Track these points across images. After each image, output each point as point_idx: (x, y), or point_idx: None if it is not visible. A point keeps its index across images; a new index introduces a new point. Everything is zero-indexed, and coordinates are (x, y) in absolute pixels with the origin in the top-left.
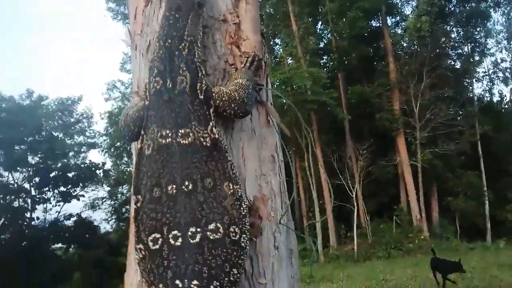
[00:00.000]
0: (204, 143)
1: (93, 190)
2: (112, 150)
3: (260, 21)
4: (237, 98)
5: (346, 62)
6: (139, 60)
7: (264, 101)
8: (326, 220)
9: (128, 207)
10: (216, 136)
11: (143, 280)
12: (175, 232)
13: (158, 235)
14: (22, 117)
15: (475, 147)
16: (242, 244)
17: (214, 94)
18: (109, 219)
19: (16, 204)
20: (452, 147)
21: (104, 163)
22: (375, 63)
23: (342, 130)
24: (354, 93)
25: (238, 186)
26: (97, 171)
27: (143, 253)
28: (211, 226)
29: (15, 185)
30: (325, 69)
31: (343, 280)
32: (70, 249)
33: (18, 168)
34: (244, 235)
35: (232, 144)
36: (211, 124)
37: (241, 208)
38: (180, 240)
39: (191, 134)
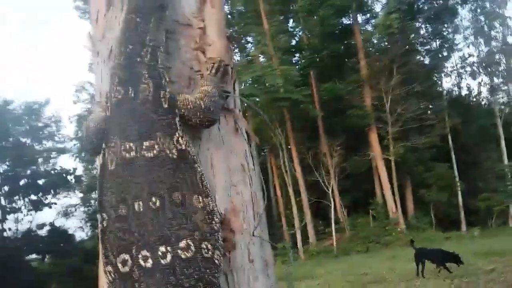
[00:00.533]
0: (171, 155)
1: (65, 197)
2: (83, 154)
3: (225, 24)
4: (203, 106)
5: (317, 60)
6: (101, 67)
7: (232, 108)
8: (304, 217)
9: None
10: (183, 147)
11: None
12: (145, 252)
13: (127, 256)
14: None
15: (445, 139)
16: (216, 261)
17: (179, 102)
18: (83, 226)
19: None
20: (423, 141)
21: (75, 169)
22: (346, 60)
23: (315, 127)
24: (326, 90)
25: (209, 198)
26: (69, 177)
27: (113, 275)
28: (182, 244)
29: None
30: (297, 67)
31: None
32: (45, 259)
33: None
34: (217, 251)
35: (200, 155)
36: (177, 134)
37: (213, 223)
38: (150, 261)
39: (156, 146)
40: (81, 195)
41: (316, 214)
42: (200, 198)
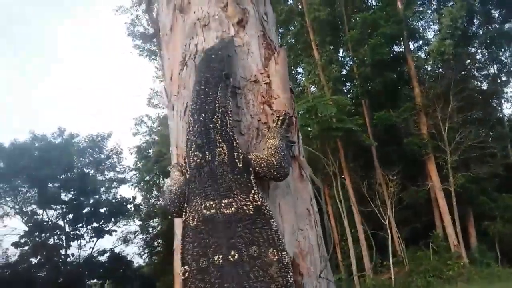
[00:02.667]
0: (248, 211)
1: (125, 224)
2: (141, 184)
3: (288, 78)
4: (275, 163)
5: (370, 88)
6: (177, 120)
7: (297, 155)
8: (360, 249)
9: (159, 240)
10: (259, 202)
11: None
12: None
13: None
14: (55, 155)
15: (509, 168)
16: None
17: (252, 161)
18: (141, 253)
19: (51, 241)
20: (485, 170)
21: (134, 198)
22: (399, 88)
23: (369, 157)
24: (379, 118)
25: (285, 253)
26: (128, 206)
27: None
28: None
29: (50, 222)
30: (348, 96)
31: None
32: (105, 285)
33: (52, 206)
34: None
35: (269, 202)
36: (253, 191)
37: (288, 276)
38: None
39: (234, 203)
40: (139, 222)
41: (372, 246)
42: (276, 251)
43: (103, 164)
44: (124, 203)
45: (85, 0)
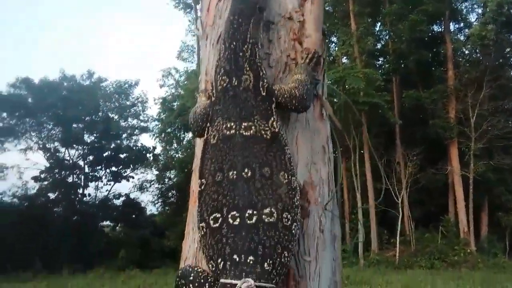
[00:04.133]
0: (265, 136)
1: (142, 172)
2: (162, 135)
3: (322, 20)
4: (297, 94)
5: (402, 66)
6: (209, 49)
7: (320, 94)
8: (369, 224)
9: (174, 191)
10: (276, 130)
11: (203, 256)
12: (234, 212)
13: (218, 215)
14: (82, 97)
15: None
16: (293, 231)
17: (275, 92)
18: (155, 201)
19: (70, 179)
20: (508, 161)
21: (154, 147)
22: (433, 68)
23: (392, 134)
24: (408, 97)
25: (294, 177)
26: (147, 155)
27: (205, 230)
28: (266, 210)
29: (70, 161)
30: (380, 71)
31: (380, 286)
32: (117, 227)
33: (75, 146)
34: (295, 223)
35: (287, 133)
36: (272, 119)
37: (295, 198)
38: (238, 220)
39: (253, 127)
40: (156, 172)
41: (381, 223)
42: (286, 174)
43: (128, 110)
44: (143, 152)
45: None
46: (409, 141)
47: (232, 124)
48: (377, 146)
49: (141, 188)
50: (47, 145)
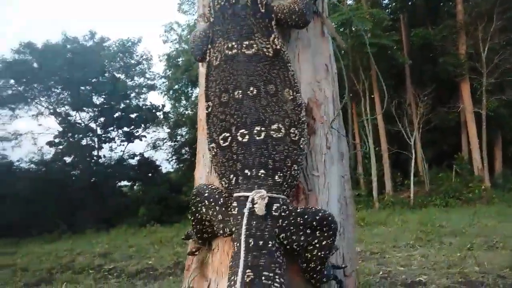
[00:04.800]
0: (267, 53)
1: (154, 131)
2: (170, 92)
3: None
4: (297, 9)
5: (410, 3)
6: None
7: (320, 12)
8: (382, 167)
9: (187, 148)
10: (278, 46)
11: (216, 174)
12: (242, 130)
13: (227, 134)
14: (86, 58)
15: None
16: (301, 145)
17: (274, 8)
18: (169, 159)
19: (84, 142)
20: None
21: (163, 105)
22: (441, 4)
23: (402, 75)
24: (417, 36)
25: (299, 94)
26: (157, 113)
27: (215, 150)
28: (274, 126)
29: (82, 124)
30: (387, 10)
31: (396, 225)
32: (135, 186)
33: (84, 108)
34: (302, 138)
35: (288, 51)
36: (273, 36)
37: (301, 114)
38: (247, 137)
39: (254, 45)
40: (168, 130)
41: (395, 165)
42: (291, 91)
43: (134, 69)
44: (153, 110)
45: None
46: (419, 81)
47: (234, 43)
48: (387, 88)
49: (155, 146)
50: (57, 109)
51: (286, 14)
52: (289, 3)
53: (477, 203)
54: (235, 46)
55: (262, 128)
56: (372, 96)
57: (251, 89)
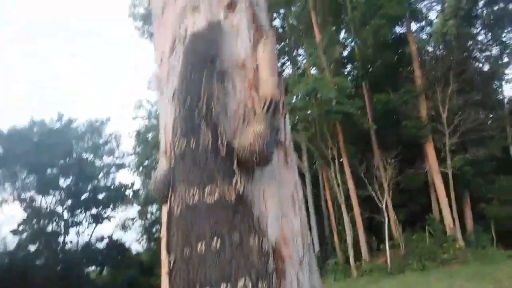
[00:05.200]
0: (229, 199)
1: (123, 210)
2: (140, 169)
3: (277, 62)
4: (258, 149)
5: (370, 70)
6: (165, 104)
7: (282, 141)
8: (356, 232)
9: (158, 226)
10: (241, 190)
11: None
12: None
13: None
14: (53, 141)
15: (507, 151)
16: None
17: (236, 148)
18: (140, 239)
19: (49, 228)
20: (482, 153)
21: (133, 183)
22: (400, 69)
23: (368, 140)
24: (379, 101)
25: (265, 240)
26: (127, 191)
27: None
28: (240, 283)
29: (48, 209)
30: (349, 78)
31: None
32: (103, 272)
33: (51, 192)
34: None
35: (253, 188)
36: (235, 179)
37: (269, 263)
38: None
39: (216, 191)
40: (138, 208)
41: (369, 229)
42: (257, 239)
43: (102, 149)
44: (122, 189)
45: None
46: (385, 144)
47: (195, 190)
48: (355, 153)
49: (124, 227)
50: (22, 195)
51: (248, 154)
52: (250, 143)
53: (453, 263)
54: (196, 193)
55: (229, 285)
56: (341, 160)
57: (215, 240)
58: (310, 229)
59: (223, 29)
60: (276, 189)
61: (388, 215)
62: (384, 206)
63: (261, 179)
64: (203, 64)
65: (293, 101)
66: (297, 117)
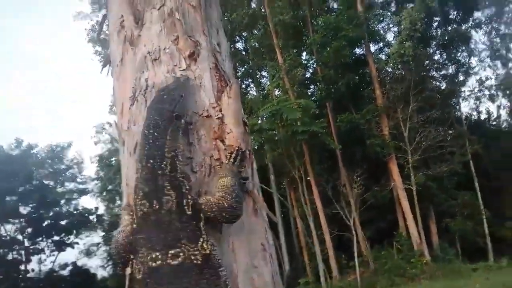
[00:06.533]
0: (195, 261)
1: (87, 236)
2: (104, 194)
3: (242, 111)
4: (226, 205)
5: (333, 91)
6: (127, 158)
7: (251, 190)
8: (326, 251)
9: None
10: (208, 251)
11: None
12: None
13: None
14: (12, 167)
15: (467, 166)
16: None
17: (202, 207)
18: (105, 265)
19: (10, 257)
20: (444, 169)
21: (97, 208)
22: (361, 89)
23: (334, 159)
24: (342, 121)
25: None
26: (90, 217)
27: None
28: None
29: (8, 237)
30: (313, 99)
31: None
32: None
33: (10, 220)
34: None
35: (221, 240)
36: (201, 240)
37: None
38: None
39: (181, 254)
40: (102, 234)
41: (338, 247)
42: None
43: (63, 174)
44: (86, 214)
45: (44, 6)
46: (351, 162)
47: (158, 254)
48: (321, 172)
49: (88, 253)
50: None
51: (216, 212)
52: (217, 198)
53: (421, 278)
54: (159, 257)
55: None
56: (308, 178)
57: None
58: (280, 248)
59: (188, 82)
60: (245, 240)
61: (356, 232)
62: (352, 223)
63: (230, 231)
64: (167, 122)
65: (259, 122)
66: (263, 138)
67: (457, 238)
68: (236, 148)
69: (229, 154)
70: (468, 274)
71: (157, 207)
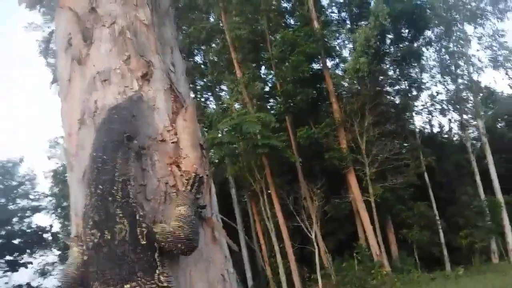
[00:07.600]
0: None
1: (42, 255)
2: (59, 210)
3: (199, 133)
4: (182, 236)
5: (292, 105)
6: (76, 185)
7: (209, 217)
8: (288, 264)
9: None
10: (164, 284)
11: None
12: None
13: None
14: None
15: (422, 178)
16: None
17: (157, 236)
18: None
19: None
20: (400, 180)
21: (51, 226)
22: (319, 104)
23: (294, 172)
24: (301, 136)
25: None
26: (45, 235)
27: None
28: None
29: None
30: (272, 112)
31: None
32: None
33: None
34: None
35: (178, 271)
36: (157, 272)
37: None
38: None
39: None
40: (58, 252)
41: (301, 260)
42: None
43: (15, 191)
44: (40, 233)
45: None
46: (311, 175)
47: None
48: (282, 185)
49: (43, 273)
50: None
51: (171, 242)
52: (173, 228)
53: None
54: None
55: None
56: (269, 191)
57: None
58: (242, 264)
59: (140, 103)
60: (204, 270)
61: (318, 245)
62: (313, 236)
63: (187, 260)
64: (117, 144)
65: (219, 135)
66: (223, 151)
67: (415, 248)
68: (193, 174)
69: (186, 181)
70: (426, 284)
71: (109, 237)
